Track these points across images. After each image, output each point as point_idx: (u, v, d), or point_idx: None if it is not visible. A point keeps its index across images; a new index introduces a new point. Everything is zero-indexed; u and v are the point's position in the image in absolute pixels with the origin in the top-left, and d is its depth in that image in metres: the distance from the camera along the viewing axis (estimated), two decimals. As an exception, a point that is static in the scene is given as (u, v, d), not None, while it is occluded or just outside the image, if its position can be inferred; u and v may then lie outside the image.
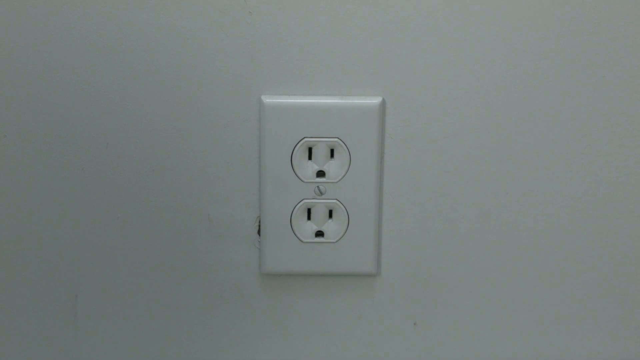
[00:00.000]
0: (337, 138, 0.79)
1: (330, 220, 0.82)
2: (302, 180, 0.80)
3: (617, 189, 0.82)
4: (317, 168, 0.80)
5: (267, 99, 0.79)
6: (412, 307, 0.85)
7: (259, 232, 0.82)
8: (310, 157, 0.80)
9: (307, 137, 0.79)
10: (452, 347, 0.86)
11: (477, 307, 0.85)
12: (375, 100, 0.79)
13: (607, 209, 0.82)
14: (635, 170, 0.81)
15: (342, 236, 0.82)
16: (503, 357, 0.86)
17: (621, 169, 0.81)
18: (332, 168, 0.80)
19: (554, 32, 0.78)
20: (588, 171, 0.81)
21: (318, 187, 0.80)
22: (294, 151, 0.80)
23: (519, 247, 0.83)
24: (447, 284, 0.84)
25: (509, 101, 0.79)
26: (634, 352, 0.86)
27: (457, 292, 0.84)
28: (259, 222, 0.82)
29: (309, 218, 0.82)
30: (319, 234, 0.82)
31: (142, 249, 0.83)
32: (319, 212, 0.81)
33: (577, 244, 0.83)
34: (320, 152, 0.80)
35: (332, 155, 0.80)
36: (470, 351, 0.86)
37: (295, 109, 0.79)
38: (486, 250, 0.83)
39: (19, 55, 0.78)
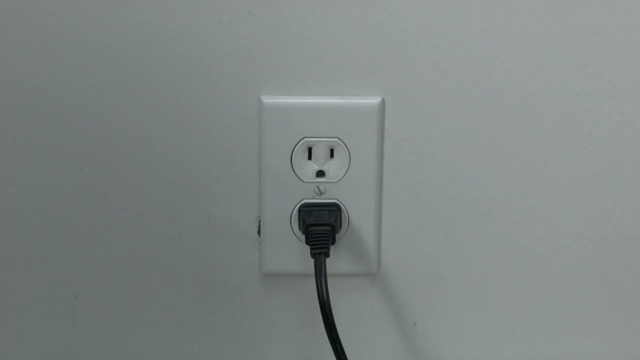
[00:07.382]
0: (337, 138, 0.79)
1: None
2: (302, 180, 0.80)
3: (617, 189, 0.82)
4: (317, 168, 0.80)
5: (267, 99, 0.79)
6: (412, 307, 0.85)
7: (259, 232, 0.82)
8: (310, 157, 0.80)
9: (307, 137, 0.79)
10: (452, 347, 0.86)
11: (477, 307, 0.85)
12: (375, 100, 0.79)
13: (607, 209, 0.82)
14: (635, 170, 0.81)
15: (343, 236, 0.82)
16: (503, 357, 0.86)
17: (621, 169, 0.81)
18: (332, 168, 0.80)
19: (554, 32, 0.78)
20: (588, 171, 0.81)
21: (318, 187, 0.80)
22: (294, 151, 0.80)
23: (518, 247, 0.83)
24: (447, 284, 0.84)
25: (509, 101, 0.79)
26: (634, 352, 0.86)
27: (457, 292, 0.84)
28: (259, 222, 0.82)
29: (309, 218, 0.82)
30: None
31: (142, 249, 0.83)
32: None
33: (577, 243, 0.83)
34: (320, 152, 0.80)
35: (332, 155, 0.80)
36: (470, 351, 0.86)
37: (295, 109, 0.79)
38: (486, 250, 0.83)
39: (19, 56, 0.78)
